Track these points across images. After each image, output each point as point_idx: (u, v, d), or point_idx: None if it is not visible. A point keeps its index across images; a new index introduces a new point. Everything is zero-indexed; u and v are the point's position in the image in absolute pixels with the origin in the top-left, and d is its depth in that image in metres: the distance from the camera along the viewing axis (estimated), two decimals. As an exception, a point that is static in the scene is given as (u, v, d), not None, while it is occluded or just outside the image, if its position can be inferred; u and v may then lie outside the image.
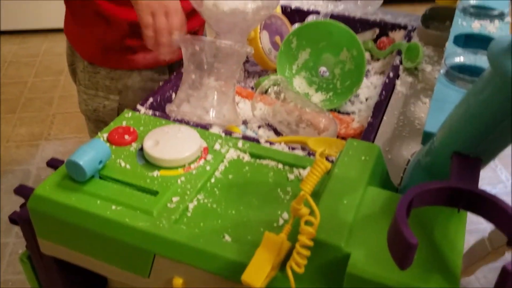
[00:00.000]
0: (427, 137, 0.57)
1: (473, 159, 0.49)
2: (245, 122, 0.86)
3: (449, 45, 0.72)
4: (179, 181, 0.63)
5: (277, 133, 0.83)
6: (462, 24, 0.78)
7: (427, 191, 0.44)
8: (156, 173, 0.64)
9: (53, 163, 0.79)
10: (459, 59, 0.67)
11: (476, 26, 0.77)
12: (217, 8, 0.79)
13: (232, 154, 0.69)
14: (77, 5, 0.98)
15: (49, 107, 2.31)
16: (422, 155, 0.59)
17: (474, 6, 0.82)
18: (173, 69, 1.07)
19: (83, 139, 2.06)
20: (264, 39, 0.96)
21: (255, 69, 1.02)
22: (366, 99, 0.92)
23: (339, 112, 0.89)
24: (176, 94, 0.85)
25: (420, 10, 1.09)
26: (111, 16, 0.93)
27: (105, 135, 0.70)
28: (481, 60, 0.68)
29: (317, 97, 0.91)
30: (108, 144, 0.68)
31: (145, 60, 1.00)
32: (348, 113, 0.89)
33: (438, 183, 0.45)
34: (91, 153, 0.61)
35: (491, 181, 1.98)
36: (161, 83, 1.03)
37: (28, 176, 1.92)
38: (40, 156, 2.01)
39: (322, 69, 0.95)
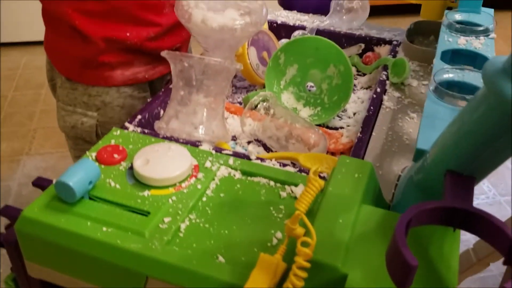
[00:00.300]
0: (419, 154, 0.57)
1: (466, 177, 0.49)
2: (234, 138, 0.86)
3: (437, 61, 0.73)
4: (170, 200, 0.62)
5: (267, 148, 0.83)
6: (448, 40, 0.79)
7: (423, 211, 0.44)
8: (146, 192, 0.63)
9: (39, 183, 0.78)
10: (448, 75, 0.68)
11: (462, 42, 0.79)
12: (206, 25, 0.79)
13: (223, 171, 0.68)
14: (54, 21, 0.97)
15: (29, 122, 2.27)
16: (414, 172, 0.59)
17: (459, 22, 0.83)
18: (154, 86, 1.06)
19: (65, 154, 2.03)
20: (252, 55, 0.96)
21: (242, 84, 1.02)
22: (354, 114, 0.92)
23: (327, 127, 0.89)
24: (164, 110, 0.85)
25: (402, 22, 1.10)
26: (86, 32, 0.92)
27: (94, 154, 0.69)
28: (469, 76, 0.69)
29: (305, 112, 0.91)
30: (97, 164, 0.67)
31: (123, 76, 0.99)
32: (336, 128, 0.89)
33: (433, 203, 0.45)
34: (80, 173, 0.60)
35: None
36: (144, 100, 1.02)
37: (9, 192, 1.88)
38: (21, 172, 1.97)
39: (309, 84, 0.95)
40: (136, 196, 0.62)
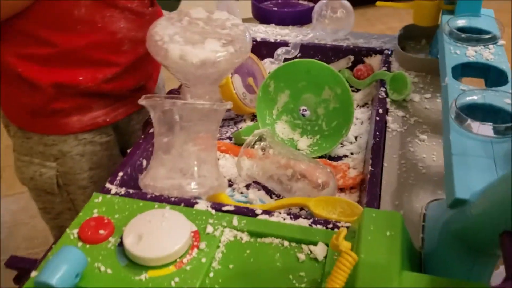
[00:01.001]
0: (458, 203, 0.49)
1: (529, 238, 0.41)
2: (230, 183, 0.76)
3: (450, 80, 0.65)
4: (173, 283, 0.53)
5: (268, 191, 0.74)
6: (455, 53, 0.72)
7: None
8: (144, 276, 0.54)
9: (13, 263, 0.68)
10: (470, 98, 0.60)
11: (471, 53, 0.71)
12: (185, 61, 0.70)
13: (227, 235, 0.59)
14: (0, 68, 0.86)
15: (-6, 160, 2.13)
16: (452, 220, 0.52)
17: (461, 29, 0.76)
18: (118, 127, 0.96)
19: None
20: (237, 84, 0.87)
21: (229, 115, 0.92)
22: (356, 138, 0.84)
23: (329, 157, 0.81)
24: (148, 162, 0.75)
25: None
26: (32, 79, 0.82)
27: (76, 231, 0.59)
28: (489, 96, 0.61)
29: (304, 142, 0.83)
30: (80, 244, 0.57)
31: (80, 123, 0.89)
32: (339, 157, 0.81)
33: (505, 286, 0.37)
34: (63, 266, 0.50)
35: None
36: (108, 145, 0.92)
37: (-19, 241, 1.74)
38: (-8, 217, 1.84)
39: (302, 108, 0.86)
40: (133, 282, 0.53)
